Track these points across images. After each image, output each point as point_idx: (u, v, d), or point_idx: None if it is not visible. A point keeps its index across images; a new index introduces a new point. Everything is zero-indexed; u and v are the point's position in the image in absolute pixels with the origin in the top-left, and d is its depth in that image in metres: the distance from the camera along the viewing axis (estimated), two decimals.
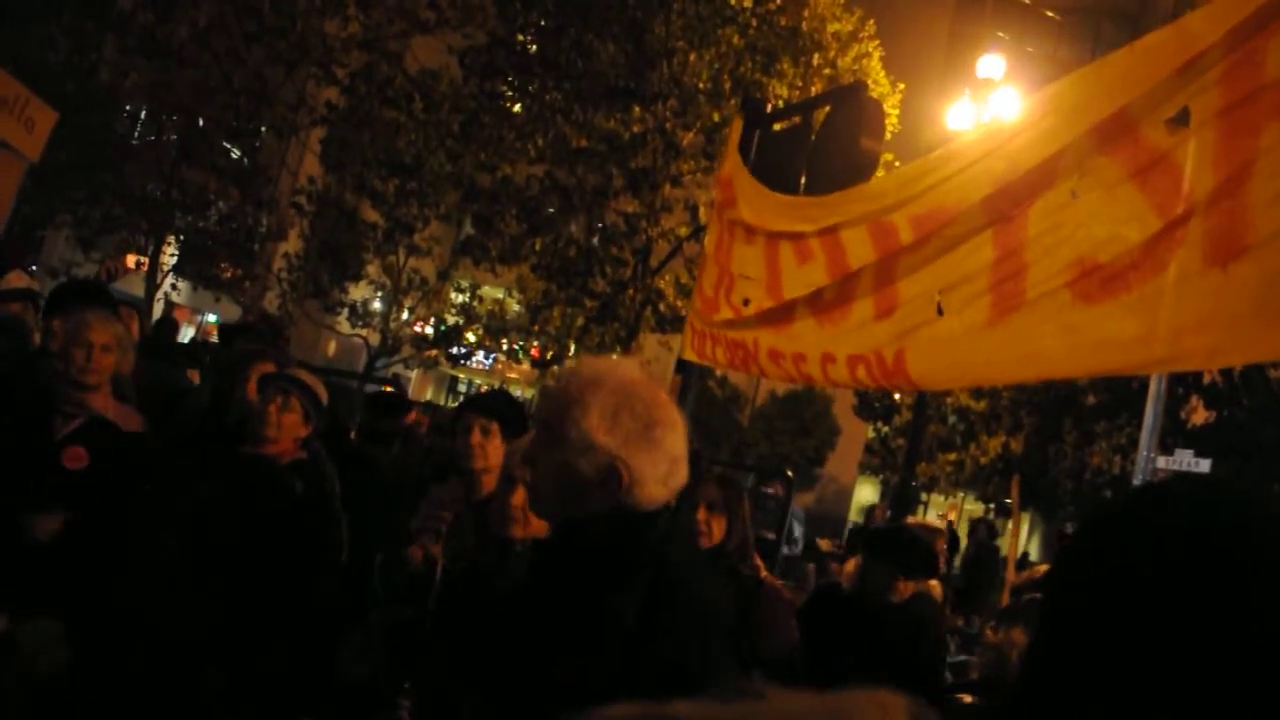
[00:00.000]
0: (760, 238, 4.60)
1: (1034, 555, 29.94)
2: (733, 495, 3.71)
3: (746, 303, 4.64)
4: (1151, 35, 2.86)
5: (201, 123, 21.68)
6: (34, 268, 22.37)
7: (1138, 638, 0.89)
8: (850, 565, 4.44)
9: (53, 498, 3.79)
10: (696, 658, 1.91)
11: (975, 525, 20.49)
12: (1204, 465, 17.46)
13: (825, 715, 0.53)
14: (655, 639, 1.85)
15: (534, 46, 19.06)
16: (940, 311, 3.52)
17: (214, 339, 21.89)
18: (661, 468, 2.01)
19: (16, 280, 5.79)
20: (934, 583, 4.29)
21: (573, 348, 20.54)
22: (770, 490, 12.60)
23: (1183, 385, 24.90)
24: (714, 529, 3.64)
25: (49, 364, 4.20)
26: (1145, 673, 0.88)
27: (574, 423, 1.97)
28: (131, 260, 20.96)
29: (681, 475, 2.06)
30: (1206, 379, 25.43)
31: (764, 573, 3.83)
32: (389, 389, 10.72)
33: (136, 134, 24.72)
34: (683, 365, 5.80)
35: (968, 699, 2.64)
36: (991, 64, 16.26)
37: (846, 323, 3.96)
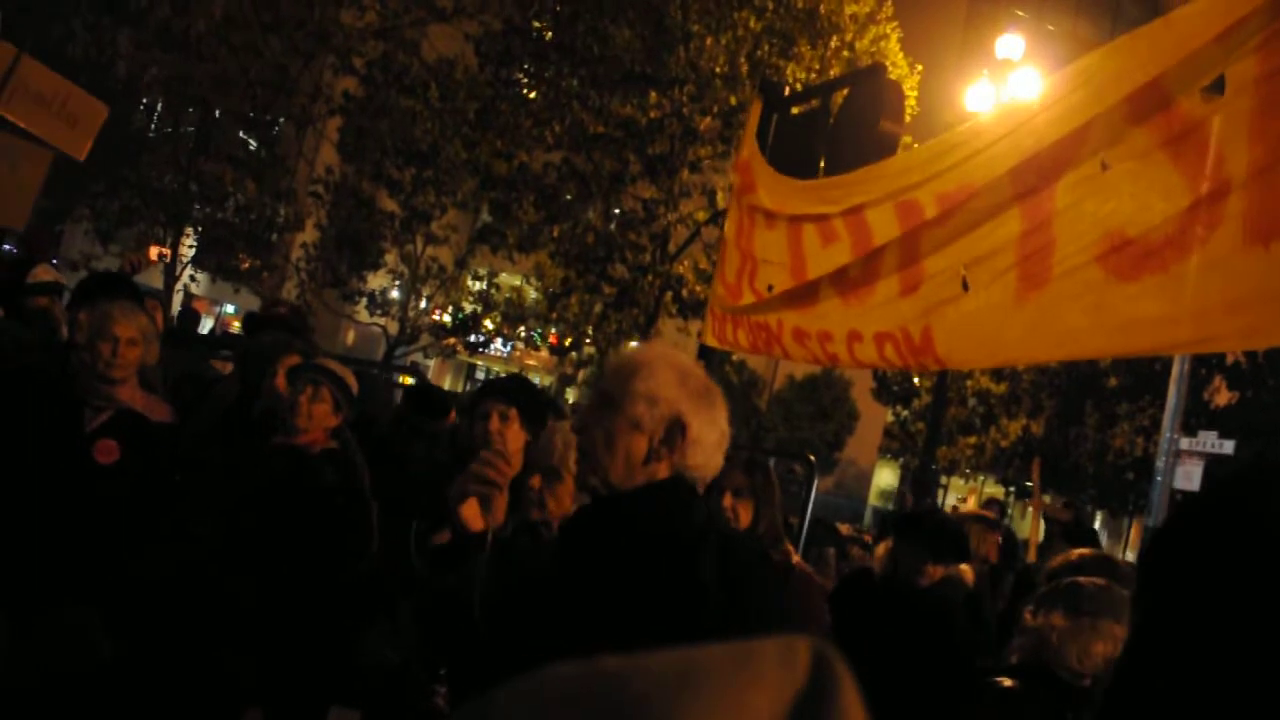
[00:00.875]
0: (782, 222, 4.58)
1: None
2: (760, 480, 3.68)
3: (770, 288, 4.62)
4: (1189, 4, 2.82)
5: (218, 114, 21.75)
6: (54, 261, 22.49)
7: (1246, 628, 0.88)
8: (881, 549, 4.44)
9: (84, 491, 3.82)
10: (777, 618, 2.02)
11: (984, 506, 20.43)
12: (1228, 447, 17.35)
13: (733, 658, 0.52)
14: (738, 603, 1.90)
15: (549, 33, 19.01)
16: (966, 287, 3.49)
17: (234, 330, 22.04)
18: (716, 433, 2.10)
19: (43, 274, 5.82)
20: (965, 567, 4.28)
21: (591, 334, 20.54)
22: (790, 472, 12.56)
23: (1206, 366, 24.76)
24: (741, 514, 3.62)
25: (76, 357, 4.23)
26: (1253, 665, 0.87)
27: (642, 380, 2.04)
28: (154, 253, 21.08)
29: (724, 452, 2.12)
30: (1230, 359, 25.26)
31: (795, 558, 3.81)
32: (421, 384, 10.72)
33: (153, 126, 24.82)
34: (704, 351, 5.79)
35: (1007, 683, 2.63)
36: (1010, 43, 16.14)
37: (872, 299, 3.94)
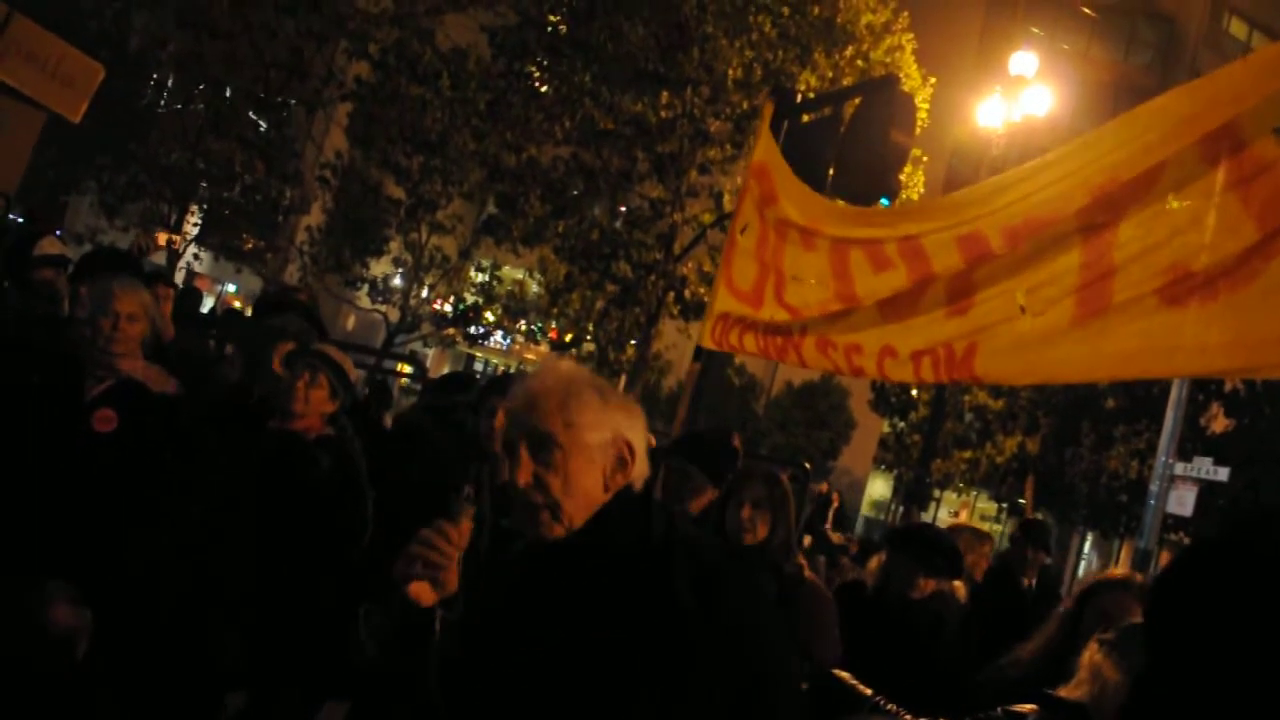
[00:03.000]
0: (823, 243, 4.53)
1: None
2: (778, 493, 3.71)
3: (807, 305, 4.60)
4: (1267, 48, 2.87)
5: (229, 94, 21.74)
6: (59, 233, 22.50)
7: (1251, 672, 0.88)
8: (874, 562, 4.44)
9: (82, 459, 3.81)
10: (759, 623, 1.95)
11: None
12: (1222, 473, 17.34)
13: None
14: (713, 609, 1.84)
15: (564, 27, 18.99)
16: (1022, 312, 3.52)
17: (237, 308, 22.02)
18: (644, 440, 2.04)
19: (49, 247, 5.81)
20: (958, 583, 4.28)
21: (591, 331, 20.53)
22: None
23: (1204, 392, 24.78)
24: (758, 526, 3.66)
25: (77, 331, 4.23)
26: (1258, 709, 0.87)
27: (578, 412, 1.95)
28: (163, 238, 21.09)
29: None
30: (1228, 386, 25.28)
31: (807, 571, 3.83)
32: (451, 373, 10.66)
33: (163, 103, 24.80)
34: (701, 352, 5.79)
35: (1027, 709, 2.60)
36: (1024, 61, 16.15)
37: (916, 319, 3.95)
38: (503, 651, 1.90)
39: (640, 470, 2.00)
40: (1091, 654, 2.66)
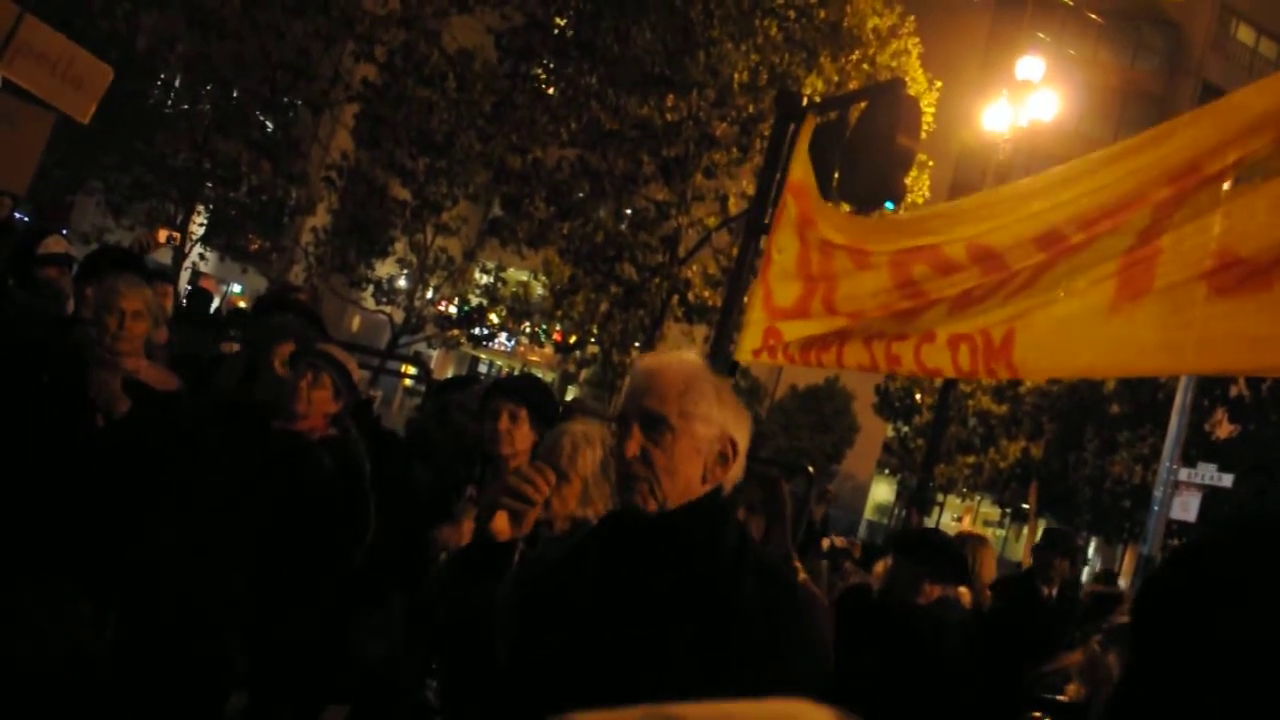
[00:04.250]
0: (880, 259, 4.43)
1: None
2: (773, 496, 3.68)
3: (869, 309, 4.51)
4: None
5: (236, 94, 21.77)
6: (65, 232, 22.54)
7: (1233, 676, 0.88)
8: (880, 567, 4.44)
9: (88, 454, 3.82)
10: (808, 644, 2.04)
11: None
12: (1227, 480, 17.33)
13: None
14: (774, 628, 1.91)
15: (571, 30, 19.01)
16: (1063, 293, 3.47)
17: (242, 308, 22.04)
18: (747, 445, 2.13)
19: (54, 245, 5.81)
20: (963, 589, 4.27)
21: (596, 333, 20.53)
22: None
23: (1209, 398, 24.74)
24: (753, 529, 3.62)
25: (82, 330, 4.24)
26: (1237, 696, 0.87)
27: (694, 402, 2.04)
28: (163, 235, 21.13)
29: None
30: (1234, 392, 25.23)
31: (802, 575, 3.80)
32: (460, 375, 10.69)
33: (170, 103, 24.86)
34: (731, 367, 5.77)
35: (1036, 716, 2.60)
36: (1031, 65, 16.14)
37: (964, 302, 3.88)
38: (577, 611, 1.98)
39: (737, 472, 2.09)
40: (1088, 651, 2.66)
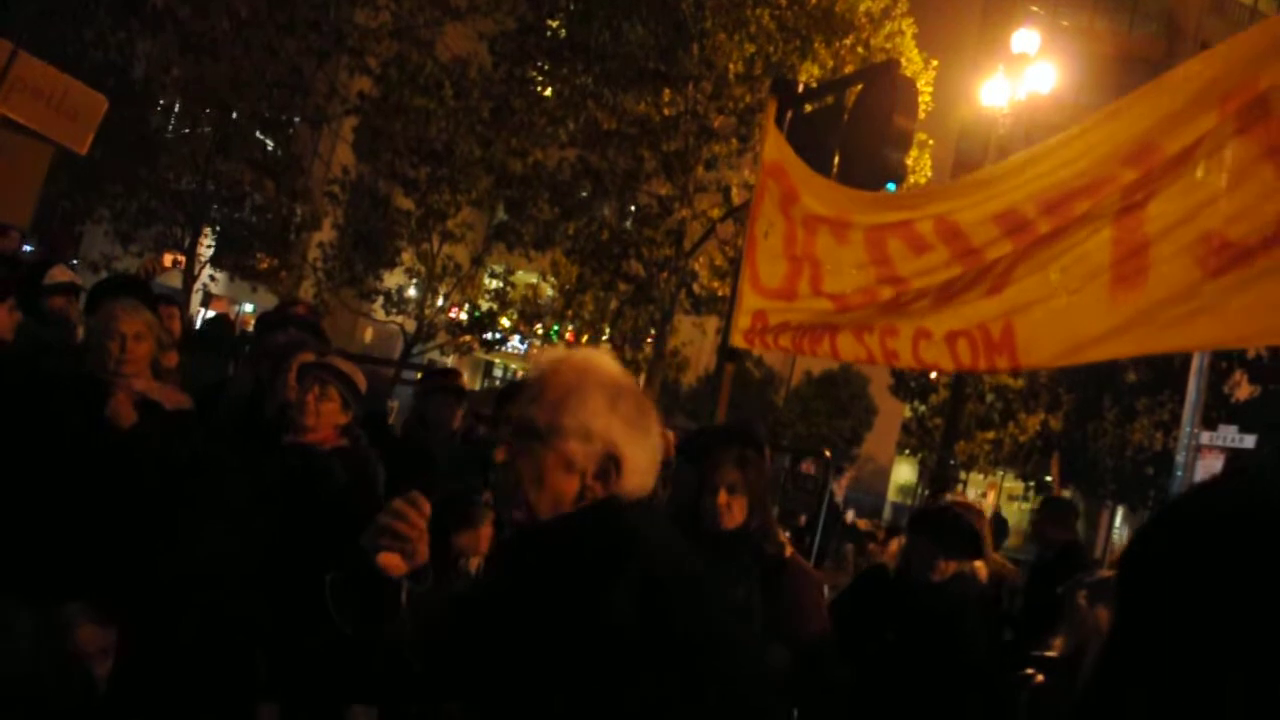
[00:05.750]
0: (857, 234, 4.50)
1: None
2: (752, 475, 3.66)
3: (851, 292, 4.56)
4: None
5: (235, 116, 21.87)
6: (75, 262, 22.72)
7: (1211, 619, 0.88)
8: (894, 545, 4.44)
9: (105, 479, 3.85)
10: (707, 633, 1.90)
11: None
12: (1249, 441, 17.24)
13: None
14: (662, 625, 1.79)
15: (563, 31, 19.03)
16: (1057, 289, 3.52)
17: (251, 329, 22.16)
18: (650, 457, 1.99)
19: (60, 275, 5.87)
20: (979, 563, 4.26)
21: (607, 331, 20.56)
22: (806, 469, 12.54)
23: (1226, 360, 24.61)
24: (735, 511, 3.60)
25: (89, 359, 4.27)
26: (1217, 652, 0.87)
27: (571, 412, 1.91)
28: (169, 260, 21.23)
29: (658, 466, 2.02)
30: (1251, 353, 25.10)
31: (789, 550, 3.79)
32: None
33: (171, 128, 24.97)
34: (731, 353, 5.77)
35: (1040, 678, 2.61)
36: (1026, 38, 16.06)
37: (953, 298, 3.93)
38: (474, 631, 1.90)
39: (634, 485, 1.96)
40: (1081, 601, 2.65)
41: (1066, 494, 25.70)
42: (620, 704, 1.75)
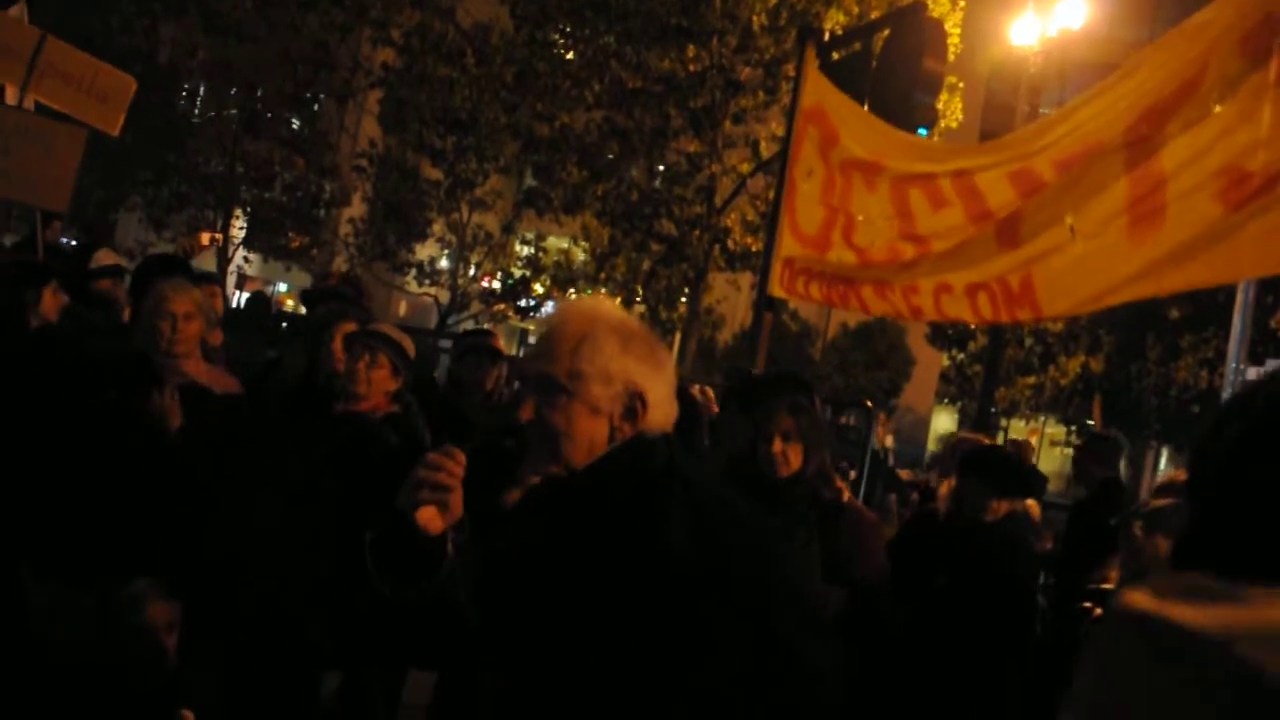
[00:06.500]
0: (884, 182, 4.53)
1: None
2: (806, 421, 3.69)
3: (874, 246, 4.62)
4: None
5: (260, 95, 21.95)
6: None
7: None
8: (944, 488, 4.43)
9: (159, 460, 3.91)
10: (761, 567, 1.94)
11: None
12: None
13: None
14: (712, 561, 1.83)
15: None
16: (1072, 234, 3.51)
17: (287, 308, 22.37)
18: (668, 390, 2.03)
19: (105, 258, 5.95)
20: (1031, 502, 4.25)
21: (641, 292, 20.53)
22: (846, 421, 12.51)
23: (1272, 293, 24.17)
24: (791, 458, 3.64)
25: (139, 338, 4.32)
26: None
27: (587, 358, 1.94)
28: (206, 238, 21.46)
29: (674, 396, 2.06)
30: None
31: (846, 495, 3.83)
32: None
33: (198, 111, 25.13)
34: (769, 302, 5.76)
35: (1098, 611, 2.61)
36: None
37: (968, 253, 3.96)
38: (517, 584, 1.92)
39: (658, 420, 1.99)
40: (1137, 532, 2.64)
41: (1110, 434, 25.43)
42: (683, 636, 1.77)
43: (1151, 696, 0.83)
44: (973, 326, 30.24)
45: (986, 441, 5.50)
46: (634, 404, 1.96)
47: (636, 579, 1.80)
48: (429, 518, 1.87)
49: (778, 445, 3.61)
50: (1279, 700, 0.75)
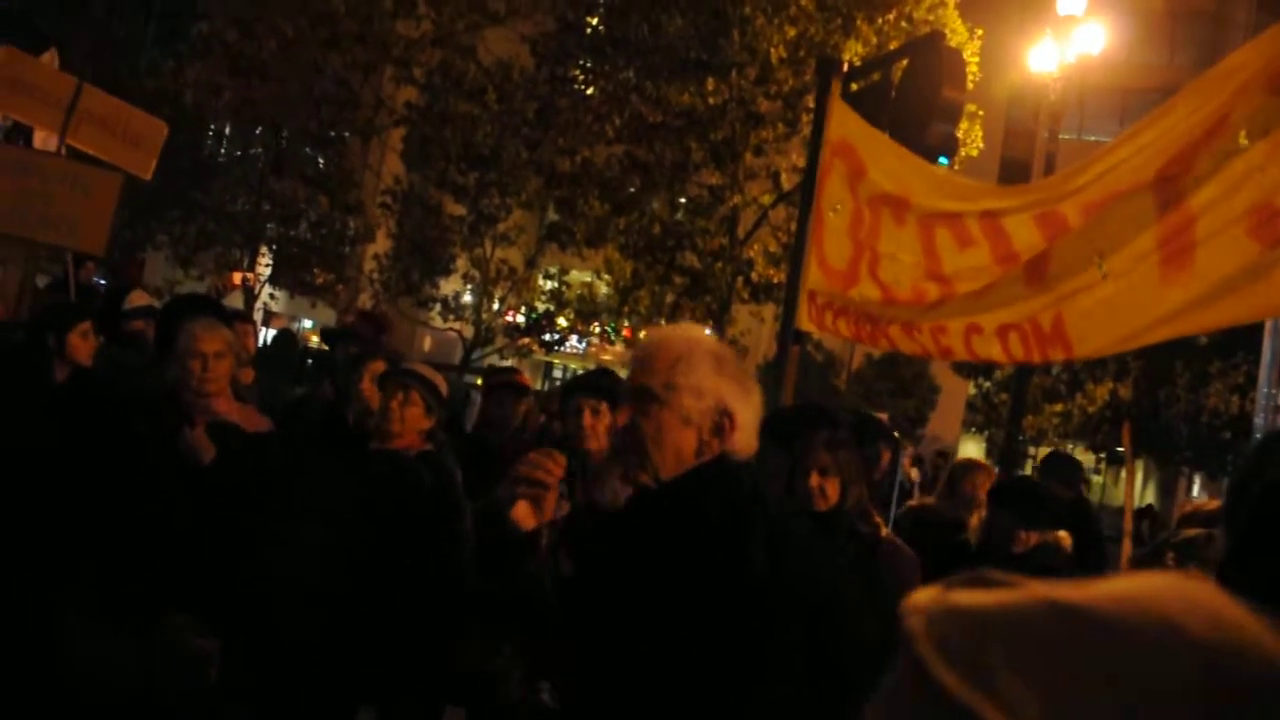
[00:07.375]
0: (912, 217, 4.54)
1: (1152, 503, 29.11)
2: (842, 456, 3.69)
3: (899, 284, 4.64)
4: None
5: (285, 134, 22.22)
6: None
7: None
8: (974, 519, 4.40)
9: (182, 498, 3.94)
10: (828, 590, 2.07)
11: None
12: None
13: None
14: (789, 579, 1.95)
15: (603, 27, 19.07)
16: (1103, 274, 3.52)
17: (312, 345, 22.54)
18: (754, 416, 2.12)
19: (139, 299, 6.04)
20: (1062, 533, 4.21)
21: (664, 325, 20.57)
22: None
23: None
24: (829, 492, 3.64)
25: (171, 377, 4.35)
26: None
27: (684, 374, 2.04)
28: (238, 277, 21.70)
29: (758, 429, 2.15)
30: None
31: (884, 530, 3.82)
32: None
33: (223, 151, 25.45)
34: (796, 335, 5.76)
35: None
36: None
37: (997, 294, 3.96)
38: (608, 588, 2.03)
39: (743, 442, 2.09)
40: (1170, 562, 2.62)
41: (1140, 464, 25.21)
42: (756, 649, 1.90)
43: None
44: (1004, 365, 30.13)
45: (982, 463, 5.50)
46: (723, 421, 2.06)
47: (723, 597, 1.91)
48: (523, 514, 1.98)
49: (814, 480, 3.62)
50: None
